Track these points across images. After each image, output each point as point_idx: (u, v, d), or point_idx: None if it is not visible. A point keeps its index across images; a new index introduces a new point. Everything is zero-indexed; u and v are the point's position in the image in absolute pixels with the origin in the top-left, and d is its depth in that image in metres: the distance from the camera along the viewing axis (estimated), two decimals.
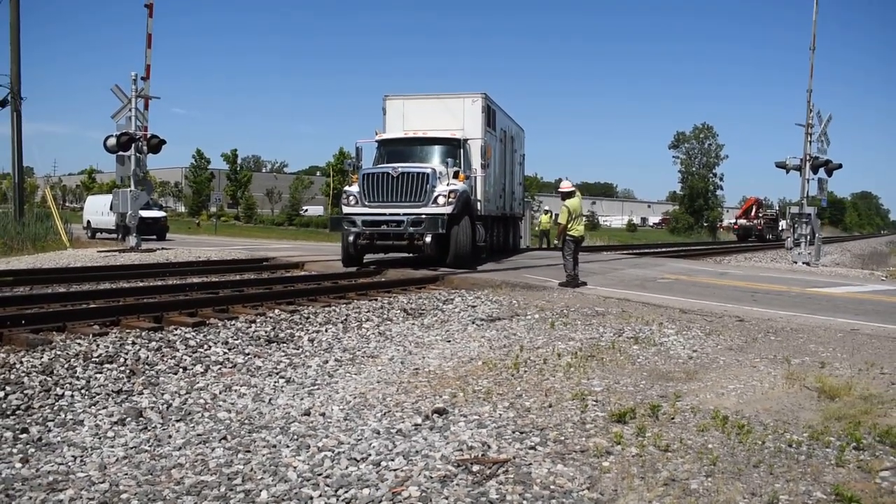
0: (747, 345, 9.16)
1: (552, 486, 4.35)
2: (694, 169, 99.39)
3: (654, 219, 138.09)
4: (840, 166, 26.79)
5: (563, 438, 5.24)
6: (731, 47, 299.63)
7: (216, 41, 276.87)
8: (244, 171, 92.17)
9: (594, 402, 6.20)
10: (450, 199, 17.19)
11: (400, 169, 17.54)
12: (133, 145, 22.65)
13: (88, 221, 37.79)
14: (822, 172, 26.73)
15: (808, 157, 26.12)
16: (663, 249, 41.23)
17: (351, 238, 17.60)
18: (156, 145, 23.24)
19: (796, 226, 26.94)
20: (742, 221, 75.51)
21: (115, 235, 31.16)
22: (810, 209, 26.45)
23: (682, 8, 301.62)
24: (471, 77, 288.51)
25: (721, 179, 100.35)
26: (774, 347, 9.01)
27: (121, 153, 22.60)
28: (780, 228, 71.08)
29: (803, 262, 26.37)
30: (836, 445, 5.14)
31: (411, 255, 18.92)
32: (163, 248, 24.94)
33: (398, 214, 17.26)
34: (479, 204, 19.57)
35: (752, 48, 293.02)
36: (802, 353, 8.70)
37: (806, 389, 6.87)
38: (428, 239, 17.07)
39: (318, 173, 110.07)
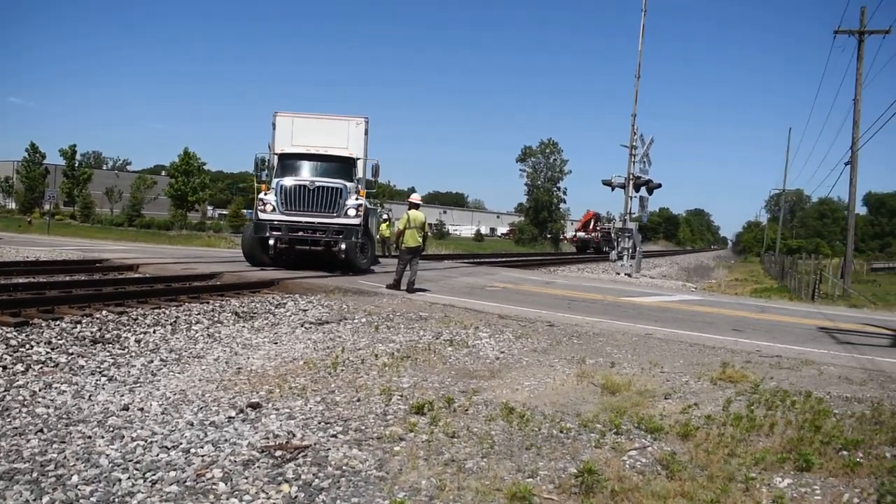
0: (551, 347, 10.09)
1: (344, 467, 4.92)
2: (539, 182, 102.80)
3: (502, 229, 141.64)
4: (660, 185, 29.01)
5: (363, 428, 5.83)
6: (578, 63, 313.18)
7: (60, 29, 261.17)
8: (83, 168, 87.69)
9: (399, 397, 6.84)
10: (358, 212, 19.22)
11: (317, 183, 19.17)
12: None
13: None
14: (643, 191, 28.85)
15: (631, 177, 28.14)
16: (503, 259, 42.78)
17: (272, 241, 19.06)
18: None
19: (619, 239, 28.96)
20: (581, 234, 79.05)
21: None
22: (632, 224, 28.49)
23: (530, 22, 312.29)
24: (329, 88, 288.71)
25: (565, 193, 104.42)
26: (575, 349, 9.98)
27: None
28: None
29: (625, 274, 28.35)
30: (599, 430, 6.00)
31: (324, 259, 19.86)
32: None
33: (313, 223, 18.91)
34: None
35: (600, 63, 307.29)
36: (598, 354, 9.71)
37: (592, 386, 7.79)
38: (343, 246, 18.86)
39: (162, 173, 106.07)
